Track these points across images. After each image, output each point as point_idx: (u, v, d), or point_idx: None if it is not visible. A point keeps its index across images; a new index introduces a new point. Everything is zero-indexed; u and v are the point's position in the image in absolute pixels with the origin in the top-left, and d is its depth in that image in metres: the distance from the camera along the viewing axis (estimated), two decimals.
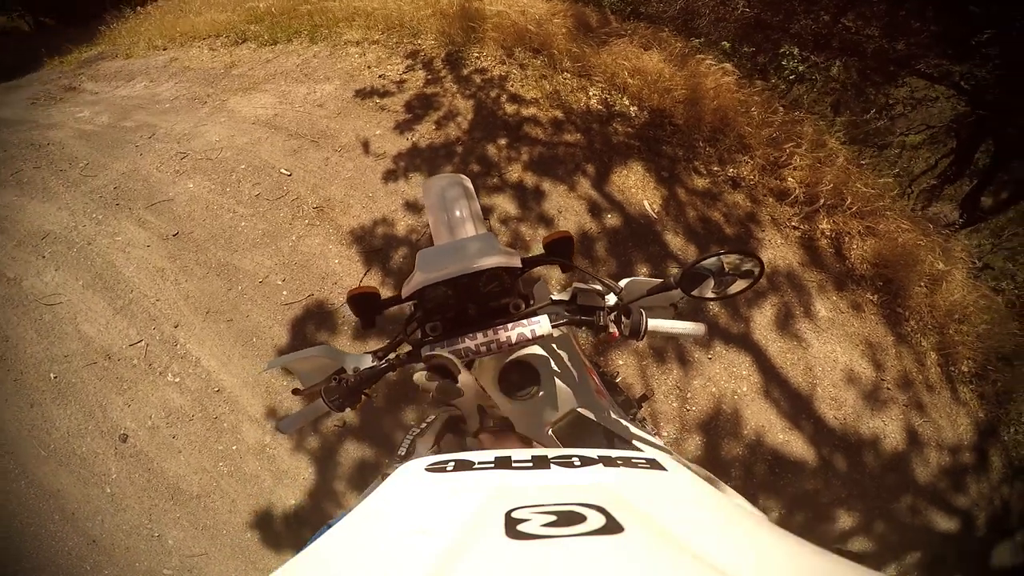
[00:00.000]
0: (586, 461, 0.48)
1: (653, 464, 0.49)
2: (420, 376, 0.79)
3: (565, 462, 0.48)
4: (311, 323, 2.65)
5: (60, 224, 3.23)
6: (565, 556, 0.29)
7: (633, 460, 0.49)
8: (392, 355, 0.96)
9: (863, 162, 3.43)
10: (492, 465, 0.47)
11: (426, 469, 0.48)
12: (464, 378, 0.79)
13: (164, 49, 5.31)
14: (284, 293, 2.75)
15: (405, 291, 1.00)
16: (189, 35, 5.35)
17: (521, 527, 0.32)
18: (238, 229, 3.05)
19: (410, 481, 0.46)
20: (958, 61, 5.22)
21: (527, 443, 0.82)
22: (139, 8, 6.63)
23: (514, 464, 0.47)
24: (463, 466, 0.48)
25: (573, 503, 0.36)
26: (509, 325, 0.92)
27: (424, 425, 0.93)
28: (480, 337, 0.91)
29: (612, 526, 0.32)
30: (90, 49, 6.14)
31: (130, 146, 3.78)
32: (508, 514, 0.34)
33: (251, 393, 2.49)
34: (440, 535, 0.34)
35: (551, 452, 0.50)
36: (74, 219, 3.24)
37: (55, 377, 2.66)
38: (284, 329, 2.64)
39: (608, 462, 0.48)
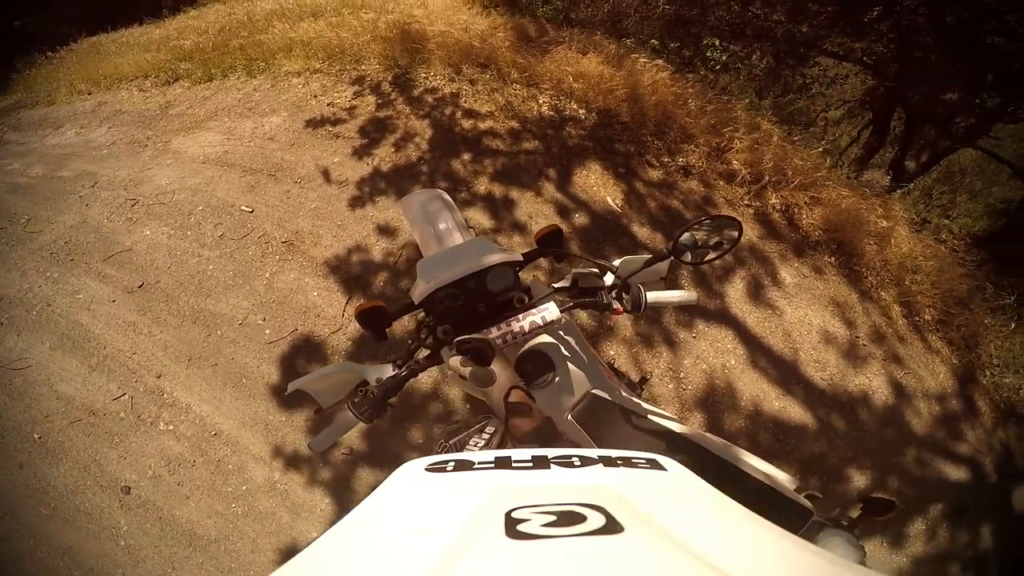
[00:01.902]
0: (586, 461, 0.48)
1: (653, 464, 0.49)
2: (455, 361, 0.82)
3: (565, 462, 0.48)
4: (300, 357, 2.63)
5: (12, 287, 3.06)
6: (565, 556, 0.29)
7: (633, 460, 0.49)
8: (411, 361, 1.00)
9: (795, 139, 3.72)
10: (492, 465, 0.48)
11: (426, 469, 0.48)
12: (497, 360, 0.84)
13: (89, 93, 5.06)
14: (267, 332, 2.72)
15: (416, 298, 1.04)
16: (114, 77, 5.11)
17: (521, 527, 0.32)
18: (207, 273, 2.98)
19: (410, 481, 0.47)
20: (857, 38, 5.66)
21: (553, 428, 0.88)
22: (50, 53, 6.27)
23: (514, 464, 0.48)
24: (463, 466, 0.48)
25: (573, 503, 0.36)
26: (520, 316, 0.97)
27: (486, 438, 0.98)
28: (495, 331, 0.96)
29: (612, 526, 0.32)
30: (5, 98, 5.79)
31: (73, 197, 3.60)
32: (508, 514, 0.35)
33: (251, 432, 2.46)
34: (440, 535, 0.34)
35: (551, 452, 0.51)
36: (27, 280, 3.08)
37: (39, 437, 2.55)
38: (273, 367, 2.62)
39: (608, 462, 0.48)
